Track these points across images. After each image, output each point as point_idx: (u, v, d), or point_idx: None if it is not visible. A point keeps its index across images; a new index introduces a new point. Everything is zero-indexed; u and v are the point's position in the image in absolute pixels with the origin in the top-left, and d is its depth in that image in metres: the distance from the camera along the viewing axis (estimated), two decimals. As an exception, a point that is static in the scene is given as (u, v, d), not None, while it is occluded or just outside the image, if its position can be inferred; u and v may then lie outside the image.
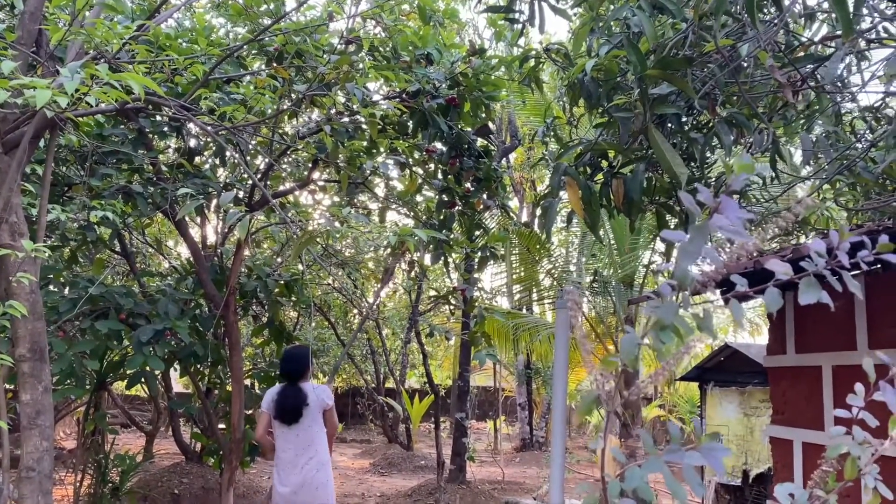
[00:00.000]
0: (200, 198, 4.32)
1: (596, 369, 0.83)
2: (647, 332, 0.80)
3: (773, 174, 3.43)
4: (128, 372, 5.15)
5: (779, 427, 3.58)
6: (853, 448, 1.07)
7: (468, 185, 5.19)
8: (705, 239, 0.75)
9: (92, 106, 2.55)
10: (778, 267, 0.79)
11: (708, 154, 3.61)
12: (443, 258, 5.34)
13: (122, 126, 4.80)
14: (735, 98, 3.32)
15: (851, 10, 2.00)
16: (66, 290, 4.94)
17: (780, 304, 0.78)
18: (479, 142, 5.32)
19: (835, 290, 0.89)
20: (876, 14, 3.10)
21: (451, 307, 6.42)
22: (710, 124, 3.41)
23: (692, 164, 3.52)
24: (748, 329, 16.43)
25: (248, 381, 6.71)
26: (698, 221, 0.78)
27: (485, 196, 5.34)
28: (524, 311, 11.53)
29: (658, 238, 7.41)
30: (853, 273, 0.91)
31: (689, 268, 0.82)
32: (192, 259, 5.83)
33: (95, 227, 4.54)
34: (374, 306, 9.61)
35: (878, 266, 1.71)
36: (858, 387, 1.15)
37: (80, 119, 4.03)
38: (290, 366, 4.28)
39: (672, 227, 3.73)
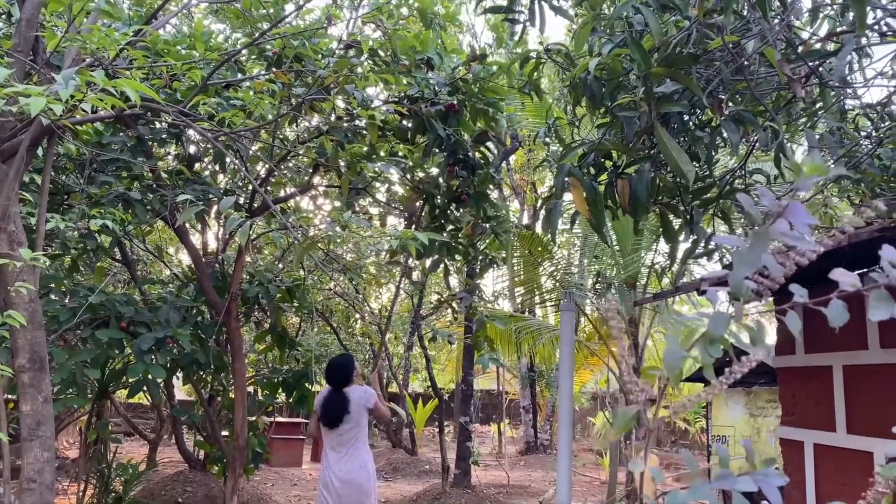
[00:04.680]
0: (200, 204, 4.29)
1: (640, 384, 0.79)
2: (695, 344, 0.76)
3: (778, 172, 3.40)
4: (129, 380, 5.12)
5: (789, 428, 3.54)
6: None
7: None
8: (766, 246, 0.71)
9: (89, 113, 2.52)
10: (844, 278, 0.74)
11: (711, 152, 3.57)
12: (443, 265, 5.28)
13: (122, 133, 4.77)
14: (738, 96, 3.28)
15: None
16: (67, 299, 4.91)
17: (847, 318, 0.74)
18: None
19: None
20: (879, 10, 3.07)
21: (454, 311, 6.39)
22: (714, 122, 3.37)
23: (696, 162, 3.48)
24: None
25: (251, 388, 6.67)
26: (757, 227, 0.74)
27: (480, 220, 5.23)
28: (526, 313, 11.48)
29: (660, 238, 7.36)
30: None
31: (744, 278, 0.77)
32: (193, 266, 5.80)
33: (96, 235, 4.51)
34: (387, 317, 9.55)
35: None
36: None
37: (78, 127, 4.00)
38: (335, 373, 4.63)
39: (676, 227, 3.69)
